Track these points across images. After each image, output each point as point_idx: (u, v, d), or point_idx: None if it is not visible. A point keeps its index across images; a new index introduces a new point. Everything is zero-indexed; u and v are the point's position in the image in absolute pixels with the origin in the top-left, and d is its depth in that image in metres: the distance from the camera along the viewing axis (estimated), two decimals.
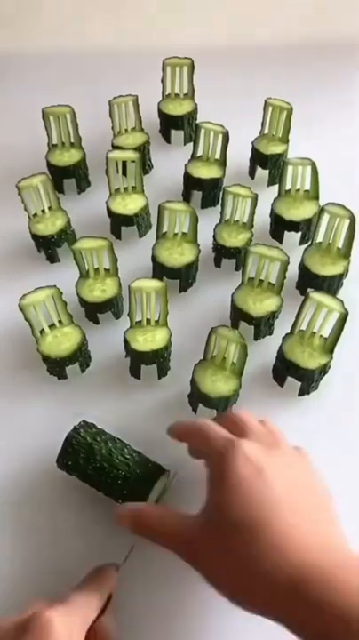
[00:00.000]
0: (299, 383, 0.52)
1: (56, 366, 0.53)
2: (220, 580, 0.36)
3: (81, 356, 0.53)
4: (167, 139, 0.75)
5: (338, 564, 0.34)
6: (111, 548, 0.43)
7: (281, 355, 0.51)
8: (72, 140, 0.67)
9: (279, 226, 0.62)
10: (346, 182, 0.69)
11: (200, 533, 0.37)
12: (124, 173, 0.63)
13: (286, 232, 0.62)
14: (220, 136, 0.64)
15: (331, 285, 0.57)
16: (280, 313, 0.55)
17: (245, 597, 0.35)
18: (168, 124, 0.73)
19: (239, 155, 0.68)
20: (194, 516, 0.38)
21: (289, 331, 0.52)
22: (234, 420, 0.43)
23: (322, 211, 0.56)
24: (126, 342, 0.52)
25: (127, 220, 0.62)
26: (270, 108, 0.67)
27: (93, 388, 0.54)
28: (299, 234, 0.62)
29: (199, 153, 0.66)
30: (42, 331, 0.52)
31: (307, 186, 0.62)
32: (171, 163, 0.71)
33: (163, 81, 0.72)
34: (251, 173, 0.70)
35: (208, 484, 0.39)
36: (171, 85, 0.72)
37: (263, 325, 0.55)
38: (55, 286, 0.52)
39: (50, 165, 0.67)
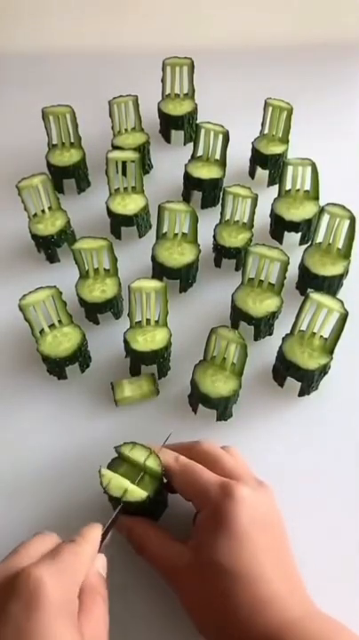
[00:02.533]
0: (299, 383, 0.52)
1: (56, 366, 0.53)
2: (198, 615, 0.37)
3: (81, 356, 0.53)
4: (167, 139, 0.75)
5: (308, 617, 0.36)
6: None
7: (281, 355, 0.51)
8: (72, 140, 0.67)
9: (279, 226, 0.62)
10: (346, 182, 0.69)
11: (186, 568, 0.38)
12: (124, 173, 0.63)
13: (286, 232, 0.62)
14: (220, 136, 0.64)
15: (331, 285, 0.57)
16: (280, 313, 0.55)
17: (218, 637, 0.36)
18: (168, 124, 0.73)
19: (239, 155, 0.68)
20: (183, 548, 0.39)
21: (289, 331, 0.52)
22: (205, 454, 0.43)
23: (322, 211, 0.56)
24: (126, 342, 0.52)
25: (127, 220, 0.62)
26: (270, 108, 0.67)
27: (93, 388, 0.54)
28: (299, 234, 0.62)
29: (199, 153, 0.66)
30: (42, 331, 0.52)
31: (307, 186, 0.62)
32: (171, 163, 0.71)
33: (163, 81, 0.72)
34: (251, 173, 0.70)
35: (199, 522, 0.39)
36: (171, 85, 0.72)
37: (263, 325, 0.55)
38: (55, 286, 0.52)
39: (50, 165, 0.67)
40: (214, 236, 0.60)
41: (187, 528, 0.41)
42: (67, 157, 0.67)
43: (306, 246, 0.59)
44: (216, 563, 0.37)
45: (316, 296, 0.50)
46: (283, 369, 0.52)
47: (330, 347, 0.50)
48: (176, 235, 0.59)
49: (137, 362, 0.53)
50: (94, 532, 0.38)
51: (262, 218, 0.62)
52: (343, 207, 0.56)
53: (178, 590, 0.39)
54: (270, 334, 0.57)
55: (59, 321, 0.53)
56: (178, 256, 0.58)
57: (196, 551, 0.38)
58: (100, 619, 0.35)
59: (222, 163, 0.66)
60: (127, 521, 0.42)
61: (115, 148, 0.67)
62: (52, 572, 0.32)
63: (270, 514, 0.40)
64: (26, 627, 0.30)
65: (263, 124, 0.68)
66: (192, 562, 0.38)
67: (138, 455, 0.42)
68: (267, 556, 0.37)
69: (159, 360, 0.52)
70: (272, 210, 0.62)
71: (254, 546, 0.37)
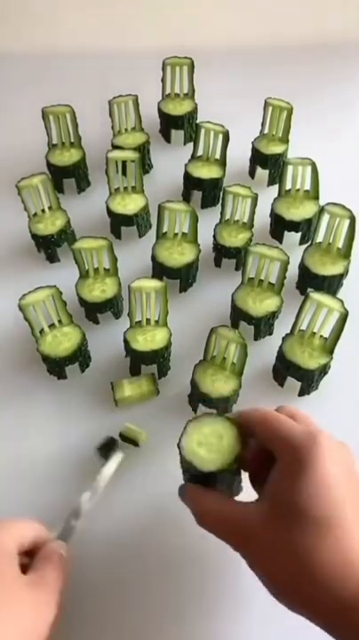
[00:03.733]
0: (299, 383, 0.52)
1: (56, 366, 0.53)
2: (273, 576, 0.34)
3: (81, 355, 0.53)
4: (167, 139, 0.75)
5: None
6: None
7: (281, 355, 0.51)
8: (72, 140, 0.67)
9: (279, 226, 0.62)
10: (346, 182, 0.69)
11: (261, 521, 0.35)
12: (124, 173, 0.63)
13: (286, 232, 0.62)
14: (220, 136, 0.64)
15: (331, 285, 0.57)
16: (280, 313, 0.55)
17: (299, 602, 0.33)
18: (168, 123, 0.73)
19: (239, 155, 0.68)
20: (253, 504, 0.36)
21: (289, 331, 0.52)
22: (290, 413, 0.41)
23: (322, 211, 0.56)
24: (126, 342, 0.52)
25: (127, 220, 0.62)
26: (270, 108, 0.66)
27: (93, 387, 0.54)
28: (299, 234, 0.62)
29: (199, 153, 0.66)
30: (42, 331, 0.52)
31: (307, 186, 0.62)
32: (171, 163, 0.71)
33: (163, 81, 0.72)
34: (251, 173, 0.70)
35: (278, 469, 0.36)
36: (171, 85, 0.72)
37: (263, 325, 0.55)
38: (55, 286, 0.52)
39: (50, 165, 0.67)
40: (214, 236, 0.60)
41: None
42: (67, 157, 0.67)
43: (306, 246, 0.59)
44: (299, 510, 0.33)
45: (316, 296, 0.50)
46: (283, 369, 0.52)
47: (330, 346, 0.50)
48: (176, 234, 0.59)
49: (137, 362, 0.53)
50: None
51: (262, 217, 0.62)
52: (343, 207, 0.56)
53: (248, 552, 0.35)
54: (270, 334, 0.57)
55: (59, 321, 0.53)
56: (178, 256, 0.58)
57: (273, 501, 0.35)
58: (50, 584, 0.36)
59: (222, 162, 0.66)
60: (186, 489, 0.39)
61: (115, 147, 0.67)
62: None
63: (352, 468, 0.37)
64: None
65: (263, 124, 0.68)
66: (267, 515, 0.35)
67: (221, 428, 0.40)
68: (354, 507, 0.34)
69: (159, 360, 0.52)
70: (272, 209, 0.62)
71: (342, 494, 0.34)
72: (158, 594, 0.43)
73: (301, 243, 0.63)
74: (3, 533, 0.36)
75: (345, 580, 0.32)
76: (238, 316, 0.55)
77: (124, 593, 0.43)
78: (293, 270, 0.58)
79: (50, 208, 0.61)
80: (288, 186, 0.62)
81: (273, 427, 0.38)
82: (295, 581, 0.33)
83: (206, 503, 0.38)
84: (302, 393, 0.53)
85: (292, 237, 0.63)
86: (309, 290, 0.51)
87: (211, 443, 0.39)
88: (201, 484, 0.39)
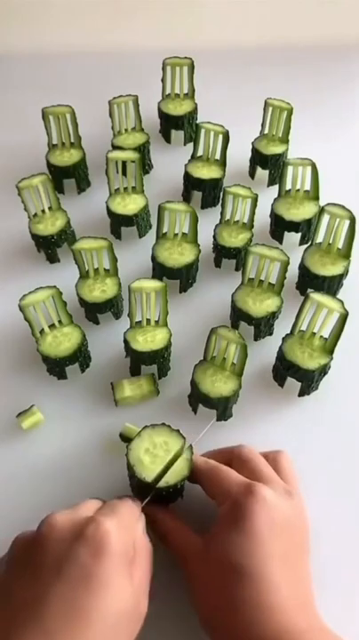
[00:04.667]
0: (299, 383, 0.52)
1: (56, 366, 0.53)
2: (202, 607, 0.38)
3: (81, 356, 0.53)
4: (167, 139, 0.75)
5: (310, 631, 0.35)
6: None
7: (281, 355, 0.51)
8: (72, 140, 0.67)
9: (279, 226, 0.62)
10: (346, 182, 0.69)
11: (198, 558, 0.39)
12: (124, 173, 0.63)
13: (286, 232, 0.62)
14: (220, 136, 0.64)
15: (331, 285, 0.57)
16: (280, 313, 0.55)
17: (217, 633, 0.37)
18: (168, 123, 0.73)
19: (239, 155, 0.68)
20: (199, 539, 0.40)
21: (289, 331, 0.52)
22: (240, 455, 0.44)
23: (322, 211, 0.56)
24: (126, 342, 0.52)
25: (127, 220, 0.62)
26: (270, 108, 0.67)
27: (93, 388, 0.54)
28: (299, 234, 0.62)
29: (199, 153, 0.66)
30: (42, 331, 0.52)
31: (307, 186, 0.62)
32: (171, 163, 0.71)
33: (163, 81, 0.72)
34: (251, 173, 0.70)
35: (218, 517, 0.40)
36: (171, 85, 0.72)
37: (263, 325, 0.55)
38: (55, 286, 0.52)
39: (50, 165, 0.67)
40: (214, 236, 0.60)
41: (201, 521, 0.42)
42: (67, 157, 0.67)
43: (306, 246, 0.59)
44: (226, 558, 0.37)
45: (316, 296, 0.50)
46: (283, 369, 0.52)
47: (330, 347, 0.50)
48: (176, 235, 0.59)
49: (137, 362, 0.53)
50: (132, 500, 0.40)
51: (262, 218, 0.62)
52: (343, 207, 0.56)
53: (188, 578, 0.40)
54: (270, 334, 0.57)
55: (59, 321, 0.53)
56: (178, 256, 0.58)
57: (210, 543, 0.39)
58: (147, 570, 0.38)
59: (222, 163, 0.66)
60: (150, 509, 0.42)
61: (115, 147, 0.68)
62: (116, 524, 0.36)
63: (292, 522, 0.40)
64: (92, 570, 0.34)
65: (263, 124, 0.68)
66: (204, 553, 0.39)
67: (173, 442, 0.42)
68: (279, 562, 0.37)
69: (159, 360, 0.52)
70: (272, 210, 0.62)
71: (268, 548, 0.37)
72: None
73: (301, 243, 0.63)
74: (125, 532, 0.37)
75: (263, 623, 0.35)
76: (238, 316, 0.55)
77: None
78: (293, 271, 0.58)
79: (50, 208, 0.61)
80: (288, 186, 0.62)
81: (214, 480, 0.42)
82: (219, 619, 0.37)
83: (167, 524, 0.42)
84: (302, 393, 0.53)
85: (292, 238, 0.63)
86: (309, 290, 0.52)
87: (157, 454, 0.42)
88: (142, 493, 0.42)
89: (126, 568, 0.36)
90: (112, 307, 0.56)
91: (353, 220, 0.55)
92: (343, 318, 0.49)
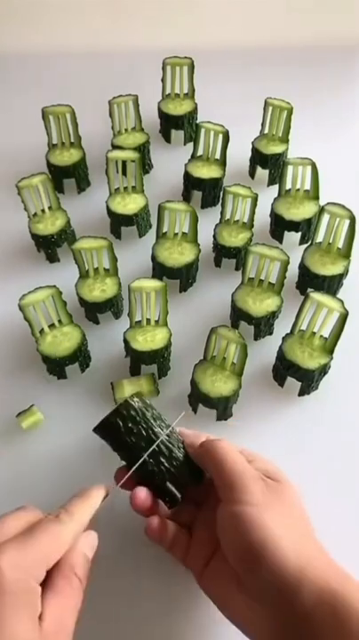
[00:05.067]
0: (299, 383, 0.52)
1: (56, 366, 0.53)
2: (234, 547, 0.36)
3: (81, 355, 0.53)
4: (167, 139, 0.75)
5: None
6: None
7: (281, 355, 0.51)
8: (72, 140, 0.67)
9: (279, 226, 0.62)
10: (346, 182, 0.69)
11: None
12: (124, 173, 0.63)
13: (286, 232, 0.62)
14: (220, 136, 0.64)
15: (330, 285, 0.57)
16: (280, 313, 0.55)
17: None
18: (168, 123, 0.73)
19: (239, 155, 0.68)
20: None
21: (289, 331, 0.52)
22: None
23: (322, 211, 0.56)
24: (126, 342, 0.52)
25: (127, 220, 0.62)
26: (270, 108, 0.66)
27: (93, 388, 0.54)
28: (299, 234, 0.62)
29: (199, 153, 0.66)
30: (42, 331, 0.52)
31: (307, 186, 0.62)
32: (171, 163, 0.71)
33: (163, 81, 0.72)
34: (251, 173, 0.70)
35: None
36: (171, 85, 0.72)
37: (263, 325, 0.55)
38: (55, 286, 0.52)
39: (50, 165, 0.67)
40: (214, 236, 0.60)
41: None
42: (67, 157, 0.67)
43: (306, 246, 0.59)
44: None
45: (316, 296, 0.50)
46: (283, 369, 0.52)
47: (330, 346, 0.50)
48: (176, 234, 0.59)
49: (137, 361, 0.53)
50: (82, 507, 0.37)
51: (262, 217, 0.62)
52: (343, 207, 0.56)
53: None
54: (270, 334, 0.57)
55: (59, 321, 0.53)
56: (178, 256, 0.58)
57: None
58: (70, 602, 0.33)
59: (222, 162, 0.66)
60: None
61: (115, 147, 0.67)
62: (14, 557, 0.31)
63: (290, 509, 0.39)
64: None
65: (263, 124, 0.68)
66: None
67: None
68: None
69: (159, 360, 0.52)
70: (272, 209, 0.62)
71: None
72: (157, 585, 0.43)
73: (301, 243, 0.63)
74: (30, 564, 0.32)
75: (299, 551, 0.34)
76: (238, 315, 0.55)
77: (123, 590, 0.43)
78: (293, 270, 0.58)
79: (50, 208, 0.61)
80: (288, 186, 0.62)
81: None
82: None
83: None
84: (302, 393, 0.53)
85: (292, 237, 0.63)
86: (309, 290, 0.52)
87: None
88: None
89: (26, 610, 0.31)
90: (112, 306, 0.56)
91: (353, 219, 0.55)
92: (343, 318, 0.49)
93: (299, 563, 0.34)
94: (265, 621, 0.34)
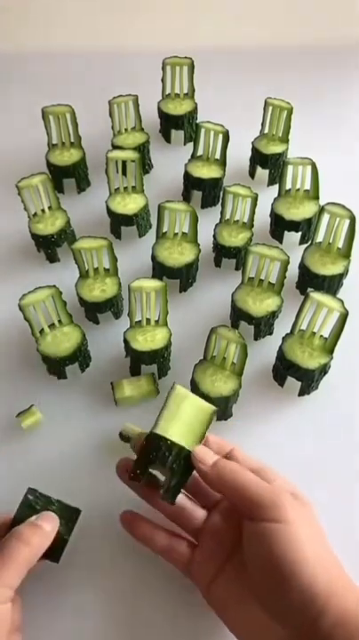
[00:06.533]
0: (299, 383, 0.52)
1: (56, 366, 0.53)
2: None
3: (81, 355, 0.53)
4: (167, 139, 0.75)
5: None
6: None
7: (281, 355, 0.51)
8: (72, 140, 0.67)
9: (279, 226, 0.62)
10: (346, 182, 0.69)
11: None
12: (124, 173, 0.63)
13: (286, 232, 0.62)
14: (220, 136, 0.64)
15: (331, 285, 0.57)
16: (280, 313, 0.55)
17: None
18: (168, 123, 0.73)
19: (239, 155, 0.68)
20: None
21: (289, 331, 0.52)
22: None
23: (322, 210, 0.56)
24: (126, 342, 0.52)
25: (127, 220, 0.62)
26: (270, 108, 0.66)
27: (93, 387, 0.54)
28: (299, 234, 0.62)
29: (199, 153, 0.66)
30: (41, 330, 0.52)
31: (307, 186, 0.62)
32: (171, 163, 0.71)
33: (163, 81, 0.72)
34: (251, 173, 0.70)
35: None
36: (171, 85, 0.72)
37: (263, 325, 0.55)
38: (55, 286, 0.52)
39: (50, 165, 0.67)
40: (214, 236, 0.60)
41: None
42: (67, 157, 0.67)
43: (306, 246, 0.58)
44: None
45: (316, 295, 0.50)
46: (283, 368, 0.52)
47: (330, 346, 0.50)
48: (176, 234, 0.59)
49: (137, 361, 0.53)
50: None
51: (262, 217, 0.62)
52: (343, 207, 0.56)
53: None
54: (270, 334, 0.57)
55: (59, 321, 0.53)
56: (178, 256, 0.58)
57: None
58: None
59: (222, 162, 0.66)
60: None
61: (115, 147, 0.67)
62: None
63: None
64: None
65: (263, 124, 0.68)
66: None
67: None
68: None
69: (159, 360, 0.52)
70: (272, 209, 0.62)
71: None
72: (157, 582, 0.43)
73: (301, 243, 0.63)
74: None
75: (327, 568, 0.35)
76: (238, 315, 0.55)
77: (123, 589, 0.43)
78: (293, 270, 0.58)
79: (50, 208, 0.61)
80: (288, 186, 0.62)
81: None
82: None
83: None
84: (302, 393, 0.53)
85: (292, 237, 0.63)
86: (309, 290, 0.51)
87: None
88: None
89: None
90: (112, 306, 0.56)
91: (353, 219, 0.55)
92: (343, 318, 0.49)
93: (328, 584, 0.34)
94: None
